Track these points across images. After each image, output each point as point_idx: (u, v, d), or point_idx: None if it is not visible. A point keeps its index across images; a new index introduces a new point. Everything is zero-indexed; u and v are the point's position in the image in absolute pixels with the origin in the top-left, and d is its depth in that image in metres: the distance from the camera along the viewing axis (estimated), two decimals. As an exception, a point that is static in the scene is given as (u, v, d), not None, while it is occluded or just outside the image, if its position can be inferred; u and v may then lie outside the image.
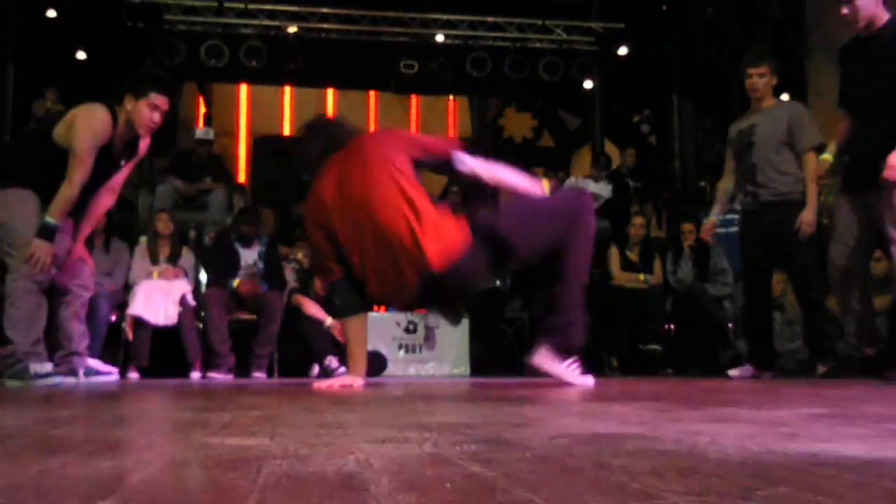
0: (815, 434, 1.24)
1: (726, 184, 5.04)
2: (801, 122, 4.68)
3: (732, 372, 4.87)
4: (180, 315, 5.60)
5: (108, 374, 4.69)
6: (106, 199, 4.22)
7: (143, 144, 4.11)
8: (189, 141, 8.40)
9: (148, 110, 3.86)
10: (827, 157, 4.36)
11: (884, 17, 3.93)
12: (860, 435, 1.24)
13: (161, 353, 5.50)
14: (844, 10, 3.94)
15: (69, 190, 3.77)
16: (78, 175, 3.77)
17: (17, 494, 0.73)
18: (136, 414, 1.92)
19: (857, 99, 4.04)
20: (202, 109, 11.38)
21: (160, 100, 3.89)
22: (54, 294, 4.05)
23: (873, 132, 3.88)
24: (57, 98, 7.76)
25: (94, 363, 4.59)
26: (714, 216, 5.09)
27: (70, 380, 4.05)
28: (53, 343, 4.10)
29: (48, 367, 3.85)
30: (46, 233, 3.77)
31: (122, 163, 4.08)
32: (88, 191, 3.93)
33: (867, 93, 3.95)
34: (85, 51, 8.87)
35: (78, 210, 4.01)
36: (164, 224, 6.10)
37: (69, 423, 1.55)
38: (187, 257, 6.18)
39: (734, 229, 6.87)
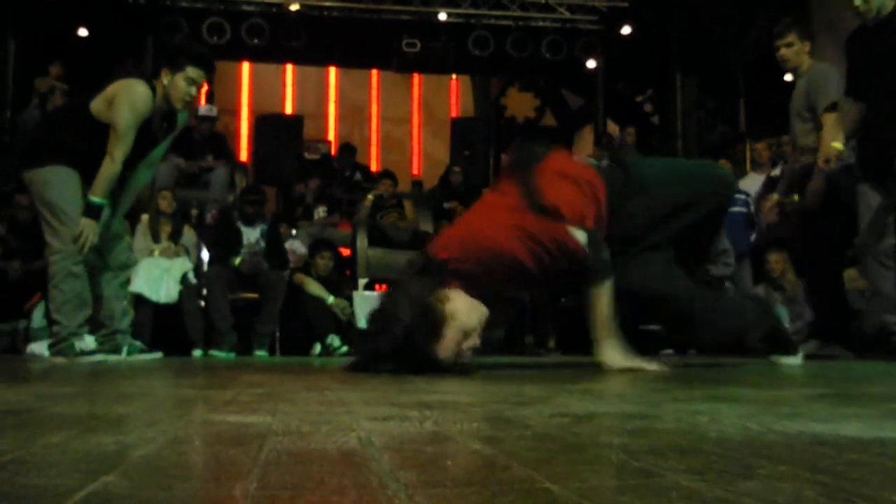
0: (816, 414, 1.24)
1: None
2: (817, 87, 4.33)
3: None
4: (182, 293, 5.61)
5: (153, 353, 4.47)
6: (145, 174, 4.21)
7: (181, 118, 4.14)
8: (191, 119, 8.37)
9: (185, 84, 3.87)
10: (837, 145, 4.16)
11: (891, 3, 3.95)
12: (860, 415, 1.25)
13: (163, 332, 5.51)
14: (858, 1, 3.94)
15: (111, 167, 3.76)
16: (119, 151, 3.76)
17: (19, 469, 0.73)
18: (138, 391, 1.92)
19: (870, 87, 4.01)
20: (204, 87, 11.33)
21: (196, 73, 3.90)
22: (94, 272, 4.00)
23: (889, 119, 3.88)
24: (62, 74, 7.67)
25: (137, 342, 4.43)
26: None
27: (113, 357, 3.99)
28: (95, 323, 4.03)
29: (92, 343, 3.86)
30: (93, 211, 3.77)
31: (160, 137, 4.06)
32: (128, 166, 3.92)
33: (881, 80, 3.94)
34: (86, 28, 8.81)
35: (118, 186, 3.98)
36: (167, 202, 6.09)
37: (71, 400, 1.56)
38: (189, 236, 6.18)
39: (737, 209, 6.86)
